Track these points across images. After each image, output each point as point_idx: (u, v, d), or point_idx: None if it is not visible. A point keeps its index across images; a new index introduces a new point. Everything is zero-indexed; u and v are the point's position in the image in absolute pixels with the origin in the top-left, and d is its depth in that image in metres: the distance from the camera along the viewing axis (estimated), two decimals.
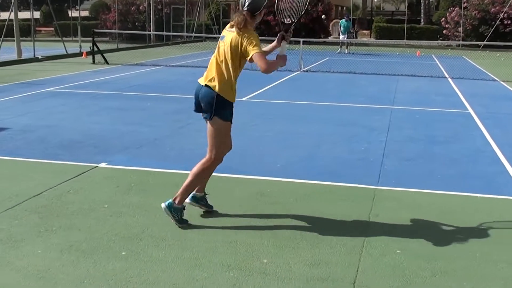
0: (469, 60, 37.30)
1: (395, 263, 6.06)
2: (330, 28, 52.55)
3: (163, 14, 51.56)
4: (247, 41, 6.76)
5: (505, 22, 50.48)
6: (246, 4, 6.86)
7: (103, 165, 9.59)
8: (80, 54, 32.70)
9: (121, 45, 40.58)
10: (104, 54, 29.64)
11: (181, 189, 7.09)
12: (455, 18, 54.16)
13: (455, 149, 11.50)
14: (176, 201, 7.02)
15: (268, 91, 19.67)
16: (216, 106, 6.95)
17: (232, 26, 6.95)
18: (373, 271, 5.85)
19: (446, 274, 5.85)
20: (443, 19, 56.06)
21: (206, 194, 7.54)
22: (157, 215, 7.22)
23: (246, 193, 8.30)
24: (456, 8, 54.74)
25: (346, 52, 40.76)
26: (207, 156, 7.16)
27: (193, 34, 50.23)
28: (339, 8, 77.78)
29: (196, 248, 6.28)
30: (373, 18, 71.51)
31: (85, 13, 64.38)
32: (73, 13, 58.13)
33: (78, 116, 14.11)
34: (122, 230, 6.76)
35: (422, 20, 66.31)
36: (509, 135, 13.09)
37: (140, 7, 52.90)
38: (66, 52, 32.67)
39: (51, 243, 6.33)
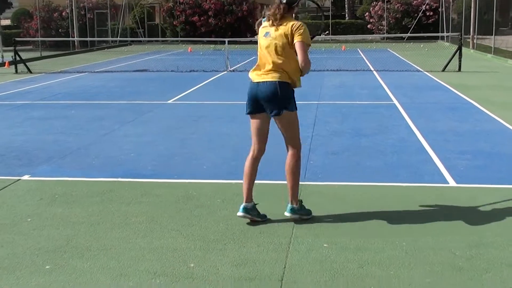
0: (394, 52, 37.81)
1: (322, 257, 6.06)
2: (256, 27, 52.51)
3: (87, 19, 51.03)
4: (299, 29, 6.93)
5: (428, 13, 51.33)
6: None
7: (26, 177, 9.39)
8: (2, 64, 32.10)
9: (45, 53, 39.98)
10: (28, 63, 29.14)
11: (291, 191, 7.14)
12: (379, 12, 54.95)
13: (381, 140, 11.61)
14: (295, 203, 7.12)
15: (194, 93, 19.59)
16: (286, 98, 7.16)
17: (269, 20, 7.07)
18: (301, 267, 5.84)
19: (373, 264, 5.89)
20: (367, 13, 56.75)
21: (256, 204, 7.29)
22: (81, 225, 7.11)
23: (173, 197, 8.21)
24: (379, 2, 55.51)
25: None
26: (292, 150, 7.25)
27: (118, 39, 49.81)
28: (264, 6, 77.83)
29: (121, 256, 6.18)
30: (298, 15, 71.85)
31: (6, 22, 63.37)
32: None
33: (0, 128, 13.84)
34: (45, 243, 6.61)
35: (346, 15, 67.00)
36: (433, 124, 13.30)
37: (63, 13, 52.25)
38: None
39: None
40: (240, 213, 7.09)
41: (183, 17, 53.18)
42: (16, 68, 28.35)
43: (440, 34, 46.44)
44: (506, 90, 19.36)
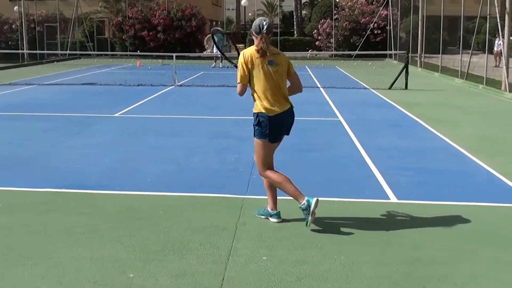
0: (341, 70, 38.07)
1: (261, 270, 6.14)
2: (205, 43, 52.64)
3: (36, 32, 50.65)
4: (288, 60, 7.76)
5: (375, 31, 51.76)
6: (265, 28, 7.47)
7: None
8: None
9: (1, 64, 39.59)
10: None
11: (293, 196, 7.61)
12: (327, 30, 55.23)
13: (324, 156, 11.75)
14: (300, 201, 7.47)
15: (140, 107, 19.58)
16: None
17: (264, 52, 7.50)
18: (239, 279, 5.92)
19: (311, 277, 5.97)
20: (315, 30, 57.08)
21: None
22: (23, 235, 7.13)
23: (115, 208, 8.25)
24: (328, 20, 55.80)
25: (220, 66, 40.92)
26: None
27: (68, 52, 49.50)
28: (213, 22, 78.02)
29: (62, 265, 6.21)
30: (247, 31, 72.10)
31: None
32: None
33: None
34: None
35: (295, 32, 67.38)
36: (376, 139, 13.49)
37: (13, 26, 51.80)
38: None
39: None
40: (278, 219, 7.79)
41: (133, 32, 53.02)
42: None
43: (388, 52, 46.84)
44: (451, 108, 19.67)
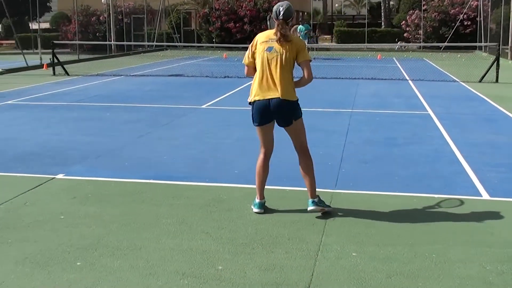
0: (430, 62, 37.59)
1: (350, 266, 6.06)
2: (291, 33, 52.33)
3: (124, 24, 51.32)
4: (302, 48, 7.55)
5: (465, 23, 50.89)
6: (281, 14, 7.41)
7: (60, 176, 9.51)
8: (40, 66, 32.38)
9: (82, 56, 40.26)
10: (65, 65, 29.42)
11: (310, 188, 7.71)
12: (415, 21, 54.52)
13: (414, 150, 11.56)
14: (314, 196, 7.66)
15: (227, 98, 19.69)
16: (296, 110, 7.75)
17: (268, 37, 7.56)
18: (328, 275, 5.85)
19: (401, 275, 5.86)
20: (404, 22, 56.44)
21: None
22: (112, 225, 7.21)
23: (203, 200, 8.27)
24: (416, 11, 55.09)
25: None
26: (306, 152, 7.93)
27: (154, 43, 50.07)
28: (300, 13, 77.85)
29: (151, 256, 6.25)
30: (334, 22, 71.76)
31: (46, 25, 63.99)
32: (33, 26, 57.64)
33: (36, 128, 14.01)
34: (77, 240, 6.71)
35: (383, 24, 66.76)
36: (468, 134, 13.20)
37: (101, 18, 52.63)
38: (27, 64, 32.30)
39: (5, 256, 6.27)
40: (257, 209, 7.79)
41: (219, 23, 53.22)
42: (54, 70, 28.64)
43: (477, 44, 46.00)
44: None
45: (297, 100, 7.68)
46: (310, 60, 7.62)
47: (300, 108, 7.78)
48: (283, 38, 7.41)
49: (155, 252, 6.37)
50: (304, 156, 7.84)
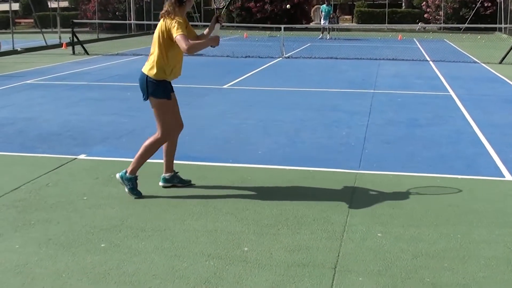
0: (450, 43, 37.42)
1: (376, 247, 6.04)
2: (312, 14, 52.52)
3: (144, 3, 51.24)
4: (171, 25, 7.30)
5: (486, 4, 50.54)
6: None
7: (82, 156, 9.51)
8: (60, 45, 32.42)
9: (102, 35, 40.27)
10: (85, 45, 29.45)
11: (133, 160, 7.64)
12: (436, 2, 54.18)
13: (436, 131, 11.49)
14: (128, 171, 7.57)
15: (249, 78, 19.63)
16: (148, 86, 7.54)
17: (162, 16, 7.52)
18: (354, 255, 5.82)
19: (427, 256, 5.84)
20: (424, 3, 56.12)
21: (177, 172, 8.00)
22: (136, 206, 7.20)
23: (227, 180, 8.26)
24: None
25: (328, 38, 40.71)
26: (157, 133, 7.70)
27: None
28: None
29: (175, 238, 6.23)
30: (354, 3, 71.37)
31: (65, 4, 63.91)
32: (52, 4, 57.70)
33: (57, 108, 14.01)
34: (101, 222, 6.70)
35: (403, 4, 66.34)
36: (490, 116, 13.11)
37: None
38: (46, 43, 32.33)
39: (29, 237, 6.26)
40: (160, 184, 7.93)
41: (239, 3, 53.10)
42: (73, 49, 28.70)
43: (498, 26, 45.75)
44: None
45: (154, 78, 7.51)
46: (181, 34, 7.26)
47: (160, 90, 7.59)
48: (165, 13, 7.50)
49: (180, 234, 6.35)
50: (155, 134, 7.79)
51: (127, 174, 7.55)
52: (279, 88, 17.35)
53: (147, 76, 7.49)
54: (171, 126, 7.73)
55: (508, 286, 5.29)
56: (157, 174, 8.11)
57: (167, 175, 7.97)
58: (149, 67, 7.51)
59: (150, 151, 7.68)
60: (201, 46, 7.69)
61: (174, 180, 7.99)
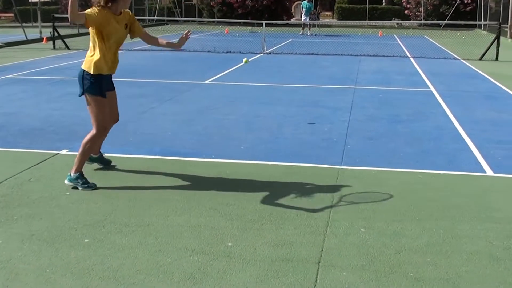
0: (430, 39, 37.53)
1: (359, 242, 6.07)
2: (293, 10, 52.51)
3: None
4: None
5: (465, 1, 50.80)
6: None
7: (64, 151, 9.48)
8: (40, 39, 32.23)
9: (83, 30, 39.89)
10: (66, 39, 29.33)
11: (75, 160, 7.73)
12: None
13: (418, 127, 11.54)
14: (72, 171, 7.66)
15: (230, 74, 19.60)
16: (84, 82, 7.70)
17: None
18: (338, 250, 5.84)
19: (410, 250, 5.88)
20: None
21: (102, 154, 8.56)
22: (119, 201, 7.18)
23: (210, 176, 8.25)
24: None
25: (308, 34, 40.76)
26: (92, 129, 7.75)
27: (155, 18, 49.88)
28: None
29: (159, 233, 6.23)
30: None
31: None
32: None
33: (38, 102, 13.94)
34: (84, 217, 6.68)
35: (383, 1, 66.51)
36: (470, 112, 13.18)
37: None
38: (26, 38, 32.14)
39: (12, 233, 6.23)
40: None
41: None
42: (54, 44, 28.58)
43: (477, 22, 46.00)
44: None
45: (90, 73, 7.64)
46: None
47: (92, 86, 7.70)
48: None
49: (163, 229, 6.35)
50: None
51: (72, 174, 7.64)
52: (261, 84, 17.35)
53: (83, 69, 7.66)
54: (106, 121, 7.90)
55: (490, 280, 5.33)
56: (139, 170, 8.12)
57: (94, 155, 8.39)
58: (85, 61, 7.67)
59: (89, 148, 7.78)
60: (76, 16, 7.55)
61: (97, 161, 8.49)
